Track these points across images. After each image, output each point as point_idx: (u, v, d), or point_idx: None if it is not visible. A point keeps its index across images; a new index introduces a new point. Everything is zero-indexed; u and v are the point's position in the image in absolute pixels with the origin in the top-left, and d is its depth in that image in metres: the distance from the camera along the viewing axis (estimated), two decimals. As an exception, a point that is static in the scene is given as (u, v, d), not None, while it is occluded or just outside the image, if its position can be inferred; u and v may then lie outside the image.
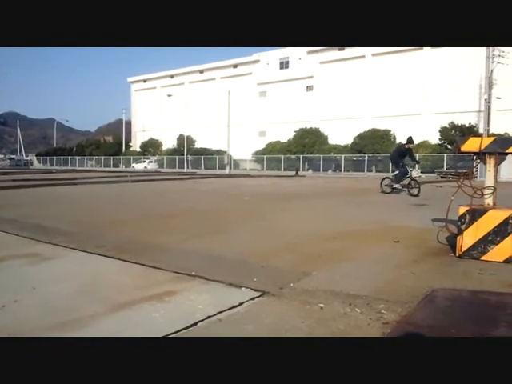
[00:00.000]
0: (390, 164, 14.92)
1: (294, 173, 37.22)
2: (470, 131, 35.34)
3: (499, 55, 35.84)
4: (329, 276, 3.85)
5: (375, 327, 2.63)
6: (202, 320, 2.74)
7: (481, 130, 36.34)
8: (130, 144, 72.24)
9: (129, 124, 75.22)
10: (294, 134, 48.84)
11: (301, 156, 46.19)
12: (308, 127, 48.85)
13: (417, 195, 12.71)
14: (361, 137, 43.79)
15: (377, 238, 5.77)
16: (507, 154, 4.43)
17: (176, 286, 3.54)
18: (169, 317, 2.83)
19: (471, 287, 3.49)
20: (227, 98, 47.07)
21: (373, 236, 5.90)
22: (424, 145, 39.88)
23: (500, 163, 4.53)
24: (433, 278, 3.77)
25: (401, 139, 42.51)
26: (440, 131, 38.71)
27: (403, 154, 13.90)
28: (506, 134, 31.18)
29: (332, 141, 47.72)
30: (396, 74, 45.86)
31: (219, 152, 54.39)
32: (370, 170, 40.58)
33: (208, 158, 54.61)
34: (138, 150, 67.54)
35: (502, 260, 4.25)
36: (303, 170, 44.16)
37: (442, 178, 29.30)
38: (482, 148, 4.31)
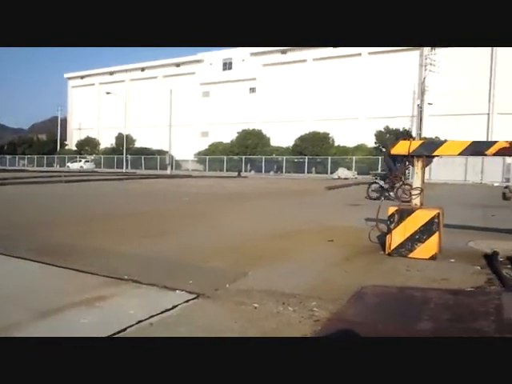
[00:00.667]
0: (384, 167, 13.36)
1: (236, 174, 37.31)
2: (403, 135, 37.16)
3: (431, 64, 38.05)
4: (265, 276, 3.88)
5: (306, 325, 2.68)
6: (132, 325, 2.65)
7: (413, 134, 38.37)
8: (66, 143, 69.07)
9: (65, 122, 71.86)
10: (237, 135, 48.98)
11: (243, 157, 46.40)
12: (251, 129, 49.18)
13: (409, 202, 11.18)
14: (302, 139, 44.74)
15: (313, 237, 5.91)
16: (434, 156, 4.70)
17: (107, 290, 3.40)
18: (97, 323, 2.72)
19: (399, 283, 3.65)
20: (169, 97, 46.32)
21: (310, 236, 6.04)
22: (361, 148, 41.47)
23: (427, 165, 4.79)
24: (364, 275, 3.91)
25: (339, 142, 44.09)
26: (376, 135, 40.41)
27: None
28: (436, 137, 33.08)
29: (274, 142, 48.37)
30: (335, 79, 47.33)
31: (161, 152, 53.38)
32: (310, 172, 41.56)
33: (149, 157, 53.40)
34: (74, 148, 64.73)
35: (427, 257, 4.50)
36: (245, 171, 44.38)
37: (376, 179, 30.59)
38: (411, 151, 4.54)
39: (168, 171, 42.08)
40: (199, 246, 5.20)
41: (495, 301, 3.17)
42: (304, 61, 49.57)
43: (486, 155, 4.34)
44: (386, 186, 11.96)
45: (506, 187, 19.33)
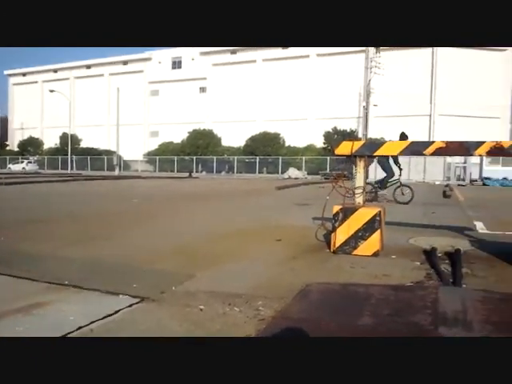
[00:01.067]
0: (378, 167, 12.63)
1: (187, 174, 36.92)
2: (350, 136, 38.28)
3: (376, 66, 39.41)
4: (212, 277, 3.86)
5: (251, 324, 2.69)
6: (72, 332, 2.55)
7: (360, 135, 39.60)
8: (7, 143, 65.54)
9: (5, 121, 68.14)
10: (188, 135, 48.49)
11: (194, 157, 46.02)
12: (201, 129, 48.85)
13: (407, 203, 11.33)
14: (253, 139, 45.01)
15: (262, 237, 5.95)
16: (375, 156, 4.86)
17: (47, 297, 3.26)
18: (34, 330, 2.59)
19: (343, 280, 3.75)
20: (117, 96, 45.06)
21: (258, 235, 6.07)
22: (310, 148, 42.29)
23: (369, 165, 4.95)
24: (309, 273, 3.98)
25: (290, 142, 44.78)
26: (324, 135, 41.36)
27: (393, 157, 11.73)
28: (381, 138, 34.31)
29: (225, 143, 48.35)
30: (285, 80, 47.97)
31: (108, 152, 51.85)
32: (261, 172, 41.87)
33: (95, 158, 51.73)
34: (16, 149, 61.53)
35: (370, 254, 4.65)
36: (197, 171, 44.05)
37: (325, 179, 31.31)
38: (353, 151, 4.67)
39: (116, 172, 40.93)
40: (146, 249, 5.09)
41: (433, 295, 3.32)
42: (254, 61, 49.87)
43: (424, 155, 4.54)
44: (379, 188, 11.84)
45: (447, 185, 20.42)
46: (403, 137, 11.31)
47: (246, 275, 3.92)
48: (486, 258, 4.83)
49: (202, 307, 3.01)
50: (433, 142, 4.44)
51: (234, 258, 4.60)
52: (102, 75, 59.99)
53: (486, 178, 26.41)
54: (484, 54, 43.02)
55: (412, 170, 30.46)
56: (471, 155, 4.44)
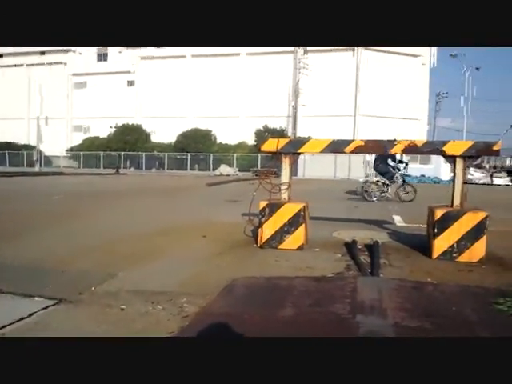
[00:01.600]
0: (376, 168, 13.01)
1: (114, 171, 35.58)
2: (280, 134, 39.02)
3: (304, 67, 40.44)
4: (136, 275, 3.76)
5: (174, 321, 2.65)
6: (-20, 337, 2.37)
7: (289, 133, 40.46)
8: None
9: None
10: (115, 129, 46.68)
11: (122, 153, 44.43)
12: (130, 123, 47.27)
13: (410, 201, 11.66)
14: (184, 135, 44.32)
15: (188, 234, 5.89)
16: (300, 153, 4.99)
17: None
18: None
19: (268, 274, 3.81)
20: (36, 88, 42.32)
21: (185, 232, 6.01)
22: (241, 145, 42.50)
23: (294, 162, 5.07)
24: (236, 268, 4.01)
25: (221, 139, 44.65)
26: (255, 133, 41.76)
27: (387, 158, 12.17)
28: (309, 136, 35.26)
29: (155, 139, 47.15)
30: (216, 77, 47.71)
31: (28, 147, 48.54)
32: (192, 169, 41.41)
33: (14, 153, 48.24)
34: None
35: (295, 248, 4.77)
36: (125, 167, 42.57)
37: (256, 176, 31.67)
38: (279, 148, 4.77)
39: (36, 168, 38.48)
40: (66, 248, 4.84)
41: (351, 285, 3.48)
42: (183, 56, 49.05)
43: (344, 152, 4.74)
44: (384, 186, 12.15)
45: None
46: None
47: (170, 273, 3.86)
48: (402, 249, 5.15)
49: (123, 307, 2.92)
50: (352, 140, 4.66)
51: (160, 256, 4.52)
52: (20, 65, 55.99)
53: (406, 175, 28.08)
54: (403, 59, 45.79)
55: (338, 168, 31.72)
56: (387, 153, 4.71)
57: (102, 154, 45.11)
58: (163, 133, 46.49)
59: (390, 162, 12.26)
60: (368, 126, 42.18)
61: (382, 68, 44.46)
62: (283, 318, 2.71)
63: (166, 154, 43.72)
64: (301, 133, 40.11)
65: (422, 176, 27.21)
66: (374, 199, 11.96)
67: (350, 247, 4.92)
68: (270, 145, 4.80)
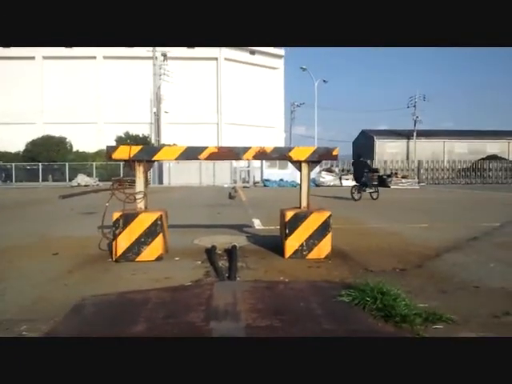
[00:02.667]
0: (354, 174, 17.44)
1: None
2: (143, 141, 37.94)
3: (164, 73, 40.00)
4: (-37, 305, 3.25)
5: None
6: None
7: (153, 141, 39.61)
8: None
9: None
10: None
11: (-43, 165, 38.63)
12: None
13: (376, 198, 15.43)
14: (34, 144, 40.29)
15: (35, 252, 5.33)
16: (154, 161, 4.87)
17: None
18: None
19: (123, 289, 3.61)
20: None
21: (31, 251, 5.42)
22: (101, 153, 40.18)
23: (149, 169, 4.93)
24: (87, 286, 3.73)
25: (78, 147, 41.69)
26: (116, 140, 39.91)
27: (364, 166, 16.99)
28: (174, 144, 34.94)
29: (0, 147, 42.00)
30: (70, 80, 44.49)
31: None
32: (46, 180, 37.80)
33: None
34: None
35: (154, 258, 4.64)
36: (-38, 181, 37.05)
37: (119, 185, 30.25)
38: (131, 156, 4.59)
39: None
40: None
41: (208, 291, 3.48)
42: (32, 58, 44.79)
43: (199, 159, 4.76)
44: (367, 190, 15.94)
45: (233, 188, 22.12)
46: (359, 157, 18.14)
47: (10, 297, 3.43)
48: (258, 251, 5.37)
49: None
50: (206, 147, 4.71)
51: (1, 278, 3.99)
52: None
53: (267, 180, 29.66)
54: (262, 71, 48.43)
55: (203, 175, 32.00)
56: (241, 159, 4.87)
57: None
58: (8, 141, 41.59)
59: (365, 170, 16.60)
60: (231, 134, 43.51)
61: (243, 79, 46.44)
62: (134, 335, 2.58)
63: (14, 164, 39.22)
64: (165, 140, 39.55)
65: (281, 180, 28.93)
66: (357, 198, 15.40)
67: (210, 253, 4.96)
68: (122, 152, 4.59)
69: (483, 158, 41.94)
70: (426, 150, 52.35)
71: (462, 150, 54.02)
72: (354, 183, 16.85)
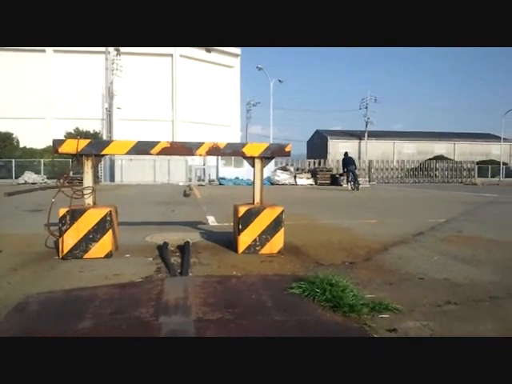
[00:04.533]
0: (343, 168, 23.63)
1: None
2: (94, 138, 36.81)
3: (117, 69, 38.96)
4: None
5: None
6: None
7: (104, 137, 38.52)
8: None
9: None
10: None
11: None
12: None
13: (358, 190, 20.14)
14: (-23, 139, 38.16)
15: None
16: (103, 155, 4.74)
17: None
18: None
19: (69, 286, 3.50)
20: None
21: (-29, 249, 5.13)
22: (49, 150, 38.61)
23: (97, 164, 4.79)
24: (31, 284, 3.58)
25: (26, 143, 39.88)
26: (65, 136, 38.47)
27: (352, 161, 22.64)
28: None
29: None
30: (17, 74, 42.44)
31: None
32: (-11, 177, 35.89)
33: None
34: None
35: (103, 255, 4.52)
36: None
37: (68, 183, 29.20)
38: (79, 150, 4.44)
39: None
40: None
41: (159, 287, 3.44)
42: (-25, 48, 42.34)
43: (151, 154, 4.68)
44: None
45: (188, 185, 21.92)
46: (346, 156, 23.19)
47: None
48: (211, 247, 5.35)
49: None
50: (158, 142, 4.63)
51: None
52: None
53: (222, 178, 29.59)
54: (218, 69, 48.19)
55: (157, 173, 31.50)
56: (194, 155, 4.83)
57: None
58: None
59: (353, 166, 22.36)
60: (187, 132, 43.03)
61: (199, 76, 46.02)
62: (80, 331, 2.51)
63: (-46, 160, 36.97)
64: (117, 136, 38.51)
65: (237, 178, 28.96)
66: (350, 188, 21.40)
67: (162, 250, 4.89)
68: (69, 146, 4.43)
69: (430, 159, 43.83)
70: (376, 150, 54.10)
71: (411, 151, 56.30)
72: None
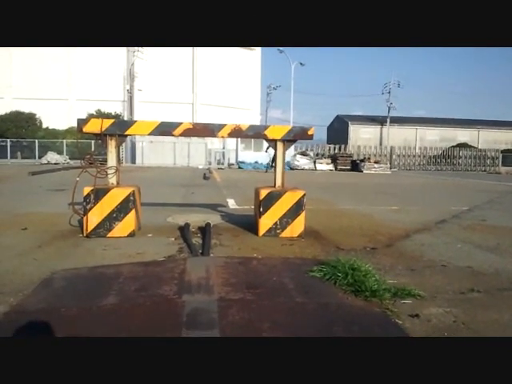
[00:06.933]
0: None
1: None
2: (116, 119, 37.12)
3: (138, 50, 38.96)
4: None
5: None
6: None
7: (125, 119, 38.77)
8: None
9: None
10: None
11: None
12: None
13: None
14: (2, 119, 38.87)
15: (4, 227, 5.19)
16: (126, 135, 4.76)
17: None
18: None
19: (92, 264, 3.57)
20: None
21: (0, 225, 5.27)
22: (72, 131, 39.10)
23: (121, 144, 4.83)
24: (56, 261, 3.66)
25: (48, 124, 40.48)
26: (88, 117, 38.93)
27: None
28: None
29: (-36, 122, 40.33)
30: (40, 55, 42.86)
31: None
32: (14, 157, 36.62)
33: None
34: None
35: (126, 235, 4.58)
36: None
37: (89, 163, 29.54)
38: (103, 129, 4.48)
39: None
40: None
41: (181, 266, 3.48)
42: None
43: (173, 135, 4.69)
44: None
45: (208, 169, 22.03)
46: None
47: (-26, 272, 3.33)
48: (232, 229, 5.37)
49: None
50: (181, 123, 4.63)
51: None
52: None
53: (241, 162, 29.58)
54: (239, 51, 47.76)
55: (177, 156, 31.65)
56: (216, 136, 4.82)
57: None
58: (-27, 116, 40.02)
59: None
60: (206, 115, 42.95)
61: (220, 59, 45.73)
62: (105, 307, 2.56)
63: (-25, 140, 37.76)
64: (138, 118, 38.75)
65: (256, 163, 28.90)
66: None
67: (183, 230, 4.93)
68: (93, 125, 4.47)
69: (454, 146, 42.91)
70: (398, 136, 53.17)
71: (434, 138, 55.16)
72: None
